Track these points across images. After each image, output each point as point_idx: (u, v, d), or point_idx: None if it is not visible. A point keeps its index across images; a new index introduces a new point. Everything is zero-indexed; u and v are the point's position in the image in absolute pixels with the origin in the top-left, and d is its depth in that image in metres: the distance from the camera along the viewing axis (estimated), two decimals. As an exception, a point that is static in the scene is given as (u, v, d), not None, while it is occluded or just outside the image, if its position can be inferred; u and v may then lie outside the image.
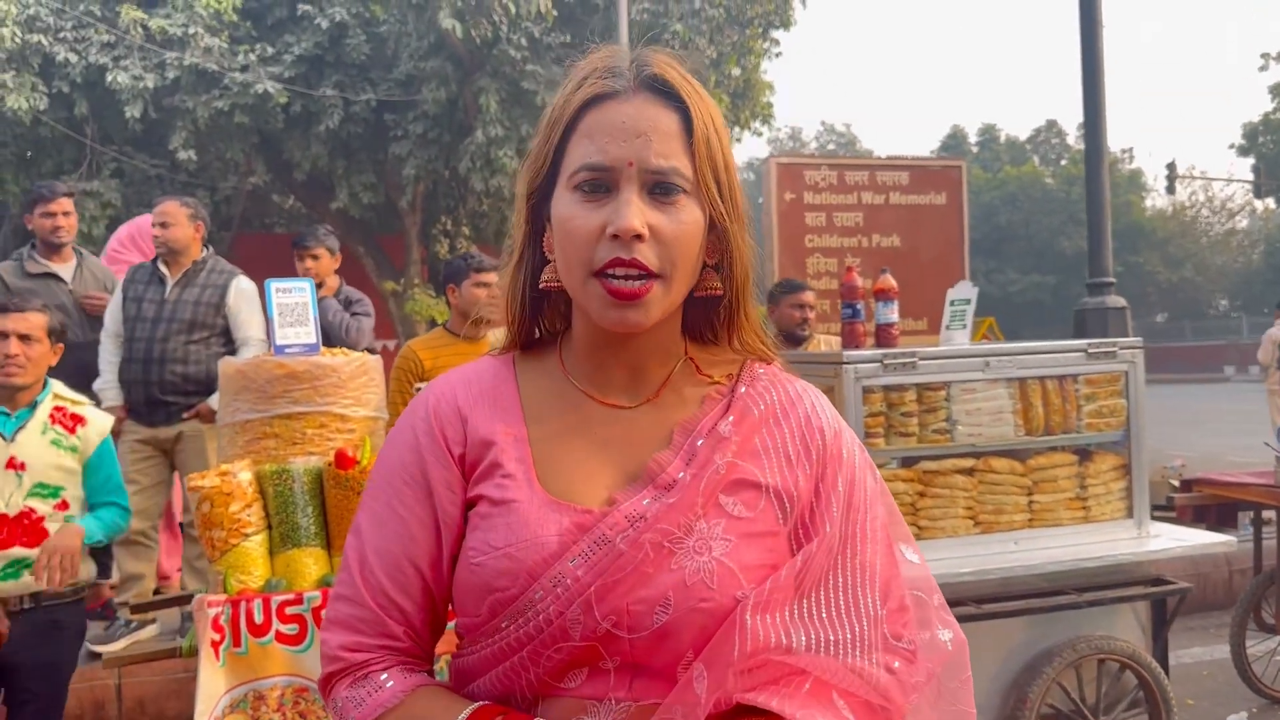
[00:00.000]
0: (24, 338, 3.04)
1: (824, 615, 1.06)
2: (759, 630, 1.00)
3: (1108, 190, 6.27)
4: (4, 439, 3.02)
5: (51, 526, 3.01)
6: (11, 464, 3.01)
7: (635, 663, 1.03)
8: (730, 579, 1.03)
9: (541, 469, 1.10)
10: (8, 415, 3.06)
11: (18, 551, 2.97)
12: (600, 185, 1.05)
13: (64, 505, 3.09)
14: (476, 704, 1.05)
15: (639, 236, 1.02)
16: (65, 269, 4.84)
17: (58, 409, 3.15)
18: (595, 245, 1.04)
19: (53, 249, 4.83)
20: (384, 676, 1.09)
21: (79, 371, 4.66)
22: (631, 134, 1.04)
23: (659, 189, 1.05)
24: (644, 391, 1.15)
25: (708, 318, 1.18)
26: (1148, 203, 42.53)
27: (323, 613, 2.59)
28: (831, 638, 1.04)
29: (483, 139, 12.05)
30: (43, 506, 3.04)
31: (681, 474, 1.07)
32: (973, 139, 45.46)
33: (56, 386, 3.21)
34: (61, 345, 3.25)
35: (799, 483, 1.11)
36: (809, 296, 5.00)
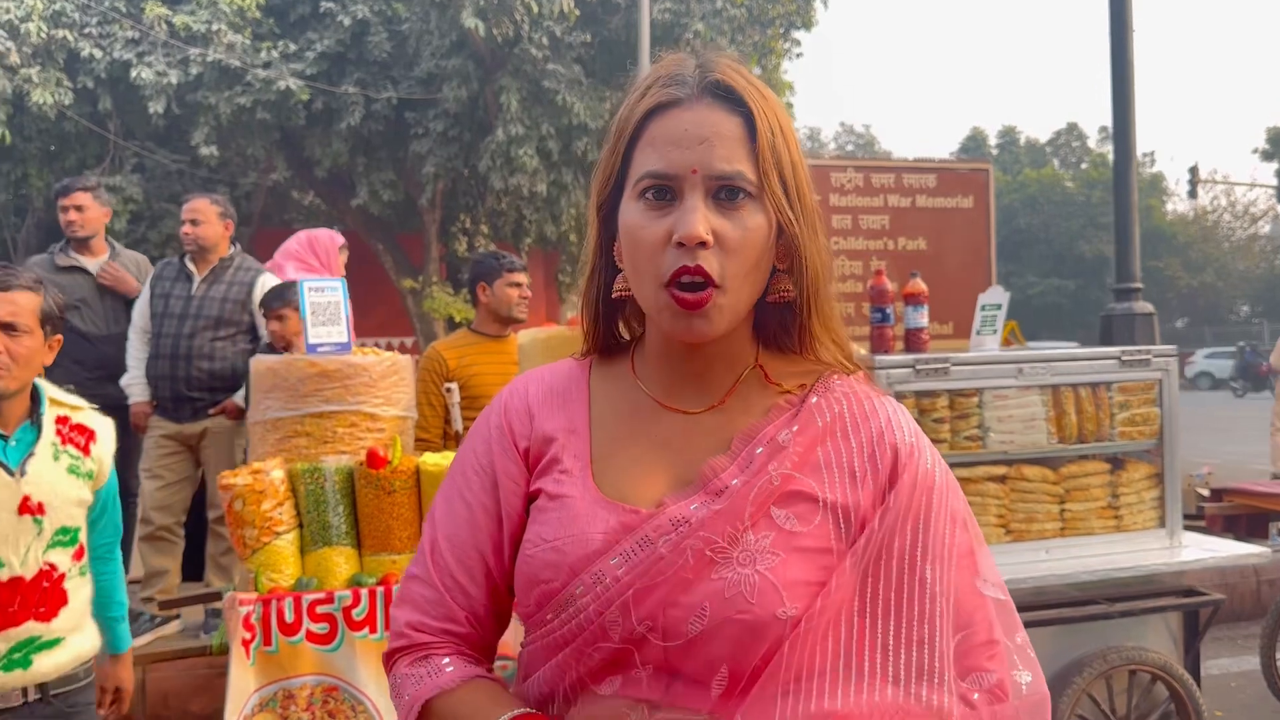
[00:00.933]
0: (7, 327, 2.23)
1: (888, 641, 1.01)
2: (804, 658, 0.99)
3: (1135, 194, 6.22)
4: (9, 473, 2.23)
5: (70, 586, 2.30)
6: (27, 507, 2.23)
7: (669, 669, 1.03)
8: (771, 594, 1.00)
9: (599, 467, 1.12)
10: (4, 439, 2.27)
11: (32, 628, 2.22)
12: (665, 192, 1.05)
13: (80, 554, 2.35)
14: (518, 710, 1.06)
15: (704, 243, 1.02)
16: (94, 263, 4.82)
17: (61, 420, 2.38)
18: (662, 253, 1.04)
19: (80, 244, 4.83)
20: (445, 661, 1.12)
21: (100, 365, 4.70)
22: (694, 140, 1.04)
23: (723, 194, 1.04)
24: (710, 398, 1.13)
25: (783, 324, 1.15)
26: (1169, 207, 42.25)
27: (355, 612, 2.58)
28: (892, 667, 1.00)
29: (503, 138, 12.06)
30: (63, 560, 2.30)
31: (735, 481, 1.05)
32: (993, 141, 45.28)
33: (48, 389, 2.40)
34: (59, 338, 2.41)
35: (862, 501, 1.06)
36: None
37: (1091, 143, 43.94)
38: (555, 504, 1.10)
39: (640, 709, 1.03)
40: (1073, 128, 44.80)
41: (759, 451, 1.07)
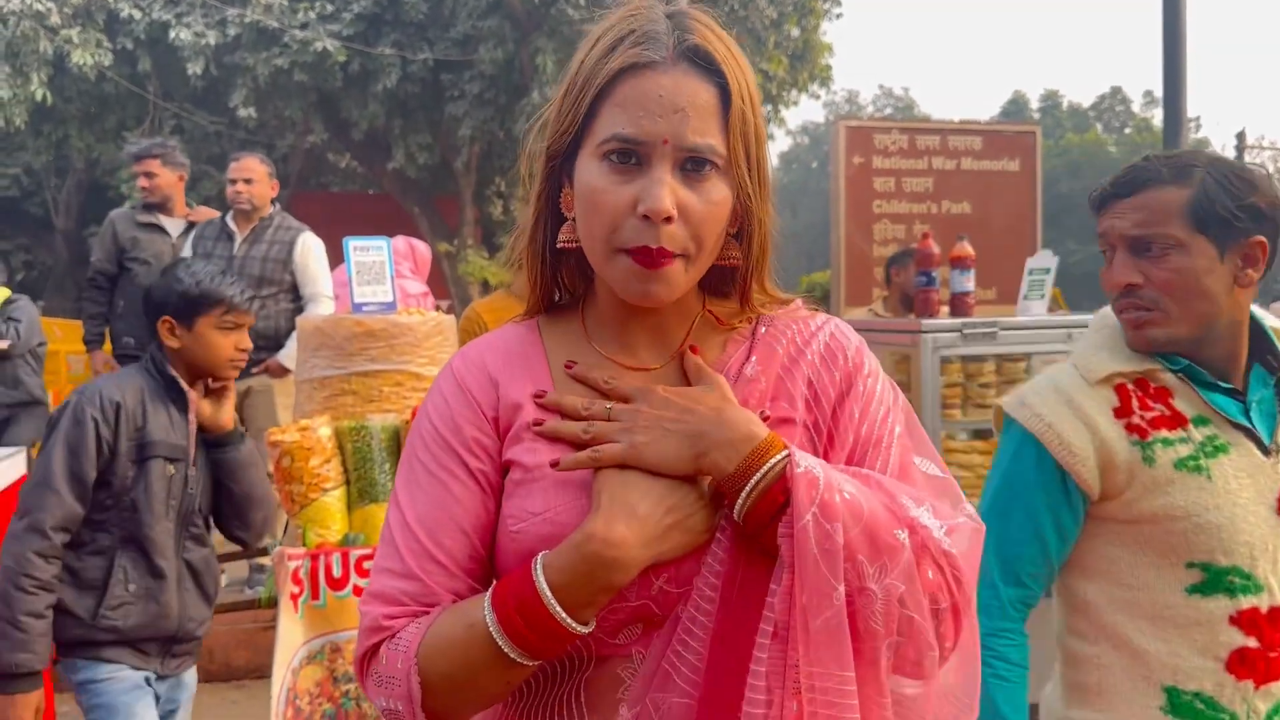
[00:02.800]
0: None
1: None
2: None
3: (1186, 158, 6.10)
4: (1264, 450, 1.59)
5: None
6: None
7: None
8: None
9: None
10: (1237, 397, 1.62)
11: None
12: (630, 156, 1.02)
13: None
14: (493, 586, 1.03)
15: (669, 219, 1.01)
16: (173, 223, 4.94)
17: None
18: (624, 221, 1.02)
19: (158, 206, 4.95)
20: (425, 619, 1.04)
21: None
22: (669, 109, 1.02)
23: (690, 165, 1.03)
24: (668, 350, 1.14)
25: (723, 277, 1.16)
26: (1213, 173, 41.49)
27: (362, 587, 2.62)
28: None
29: (539, 99, 12.00)
30: None
31: None
32: (1035, 105, 44.58)
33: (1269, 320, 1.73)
34: None
35: (828, 407, 1.12)
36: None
37: (1136, 107, 43.15)
38: (535, 474, 1.06)
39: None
40: (1116, 91, 44.00)
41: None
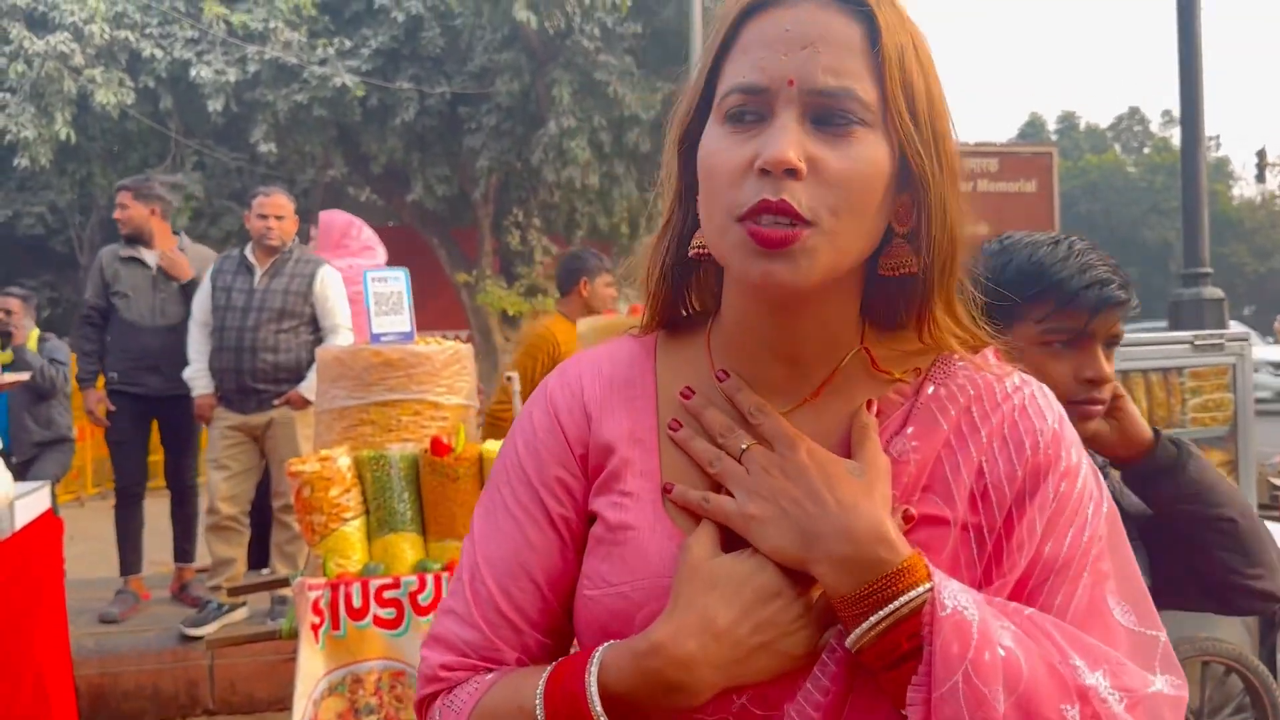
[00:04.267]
0: None
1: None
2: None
3: (1204, 177, 6.08)
4: None
5: None
6: None
7: None
8: None
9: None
10: None
11: None
12: (753, 111, 0.83)
13: None
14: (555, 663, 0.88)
15: (793, 171, 0.79)
16: (152, 255, 4.97)
17: None
18: (741, 184, 0.81)
19: (133, 239, 4.99)
20: (488, 675, 0.92)
21: (143, 355, 4.86)
22: (795, 44, 0.81)
23: (827, 115, 0.81)
24: (803, 390, 0.91)
25: (890, 298, 0.91)
26: (1235, 192, 41.30)
27: (421, 597, 2.61)
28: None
29: (555, 130, 12.10)
30: None
31: None
32: (1052, 126, 44.55)
33: None
34: None
35: (998, 506, 0.86)
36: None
37: (1154, 127, 43.06)
38: (617, 535, 0.89)
39: None
40: (1134, 112, 43.96)
41: None
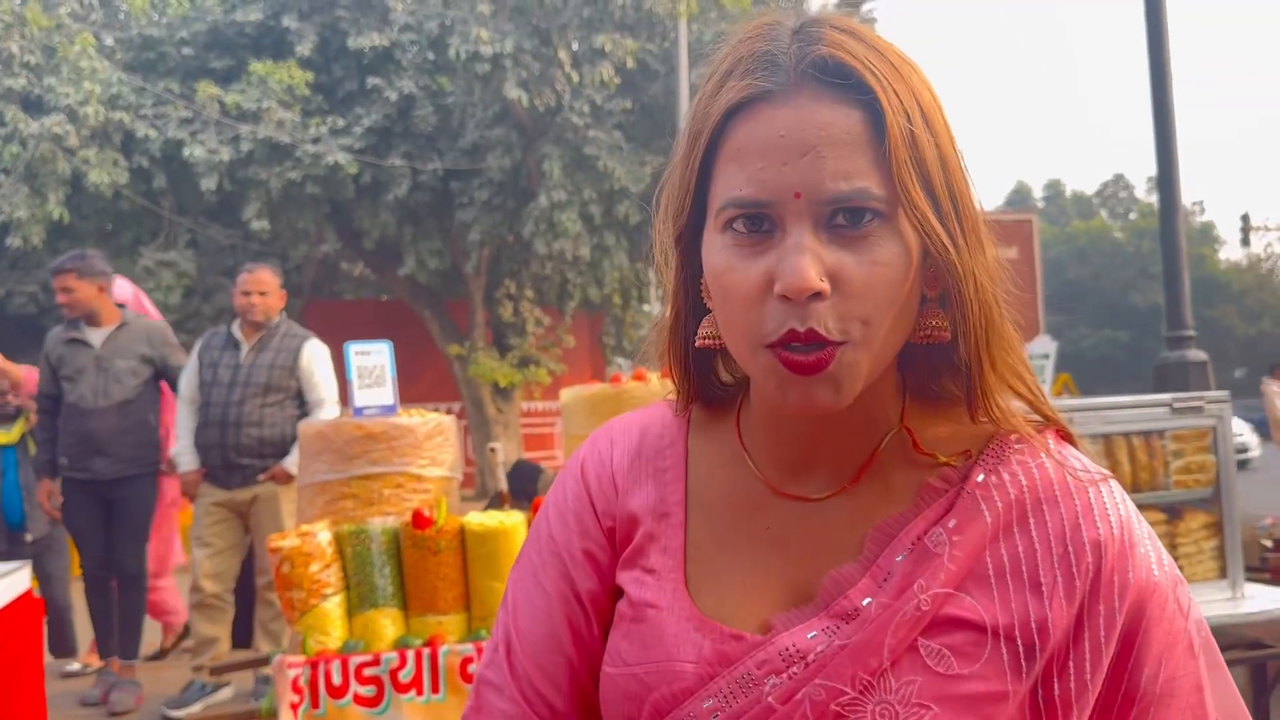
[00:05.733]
0: None
1: None
2: None
3: (1184, 241, 6.15)
4: None
5: None
6: None
7: None
8: None
9: (694, 570, 0.87)
10: None
11: None
12: (760, 221, 0.76)
13: None
14: None
15: (817, 294, 0.73)
16: (98, 335, 4.81)
17: None
18: (761, 307, 0.76)
19: (86, 318, 4.83)
20: None
21: (88, 439, 4.67)
22: (796, 151, 0.74)
23: (842, 217, 0.75)
24: (839, 477, 0.84)
25: (934, 366, 0.85)
26: (1222, 255, 41.74)
27: (402, 674, 2.58)
28: None
29: (546, 203, 12.25)
30: None
31: (867, 601, 0.78)
32: (1038, 194, 45.20)
33: None
34: None
35: (1049, 621, 0.77)
36: None
37: (1139, 192, 43.69)
38: (638, 615, 0.86)
39: None
40: (1119, 178, 44.66)
41: (900, 559, 0.79)
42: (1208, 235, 41.29)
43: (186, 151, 12.09)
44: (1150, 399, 3.39)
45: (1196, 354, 5.98)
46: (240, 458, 4.63)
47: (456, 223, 13.36)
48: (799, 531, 0.84)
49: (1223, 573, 3.39)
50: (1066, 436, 0.86)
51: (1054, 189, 45.16)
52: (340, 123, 12.63)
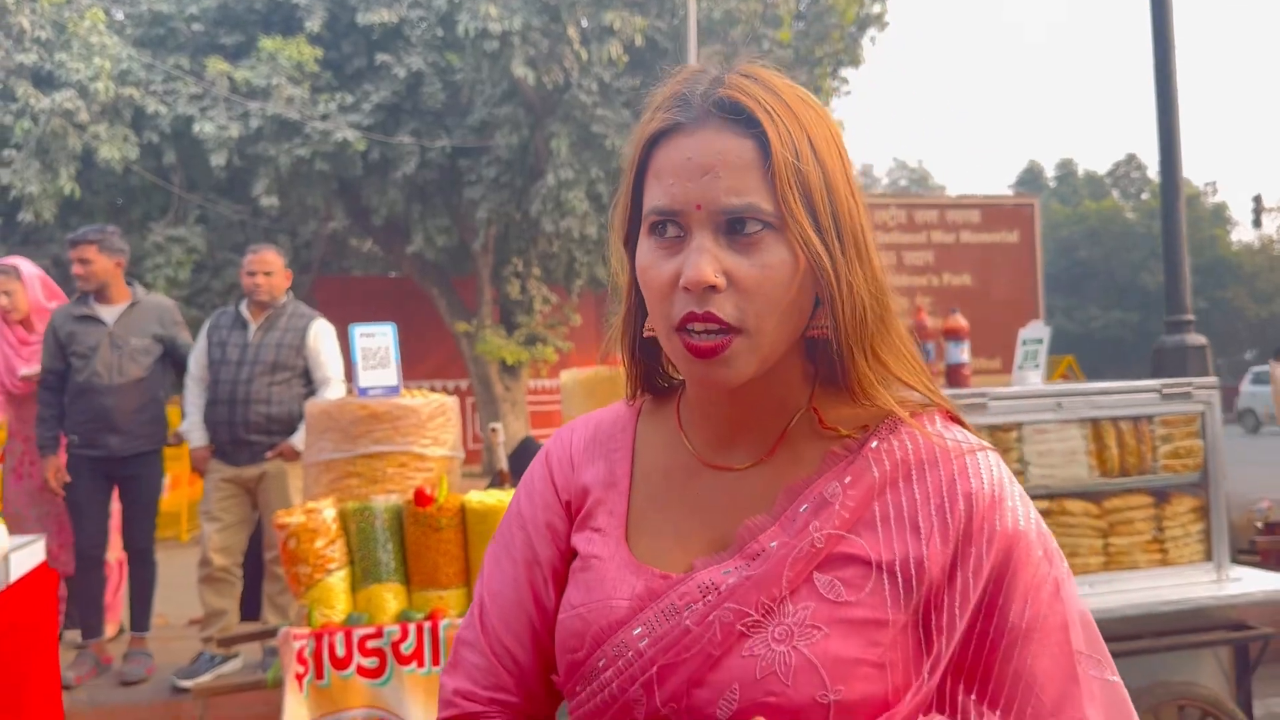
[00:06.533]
0: None
1: None
2: None
3: (1184, 225, 6.18)
4: None
5: None
6: None
7: None
8: (811, 675, 0.88)
9: (634, 528, 1.02)
10: None
11: None
12: (672, 229, 0.93)
13: None
14: None
15: (713, 287, 0.89)
16: (110, 312, 4.83)
17: None
18: (671, 297, 0.92)
19: (96, 293, 4.84)
20: None
21: (101, 416, 4.70)
22: (698, 171, 0.91)
23: (736, 226, 0.91)
24: (757, 450, 1.00)
25: (833, 361, 0.98)
26: (1233, 237, 41.48)
27: (404, 646, 2.67)
28: None
29: (553, 182, 12.28)
30: None
31: (773, 543, 0.93)
32: (1050, 174, 44.89)
33: None
34: None
35: (926, 560, 0.92)
36: None
37: (1151, 173, 43.32)
38: (586, 566, 1.02)
39: None
40: (1131, 158, 44.25)
41: (804, 509, 0.94)
42: (1220, 216, 41.00)
43: (196, 127, 12.14)
44: (1140, 384, 3.45)
45: (1195, 338, 6.01)
46: (249, 435, 4.72)
47: (464, 200, 13.40)
48: (724, 495, 1.00)
49: (1208, 555, 3.46)
50: (954, 418, 1.01)
51: (1066, 168, 44.83)
52: (349, 99, 12.66)
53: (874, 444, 0.96)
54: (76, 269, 4.77)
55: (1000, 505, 0.94)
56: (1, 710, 3.11)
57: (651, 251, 0.94)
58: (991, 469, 0.96)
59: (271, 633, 3.60)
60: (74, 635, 5.05)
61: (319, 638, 2.68)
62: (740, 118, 0.92)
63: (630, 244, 1.02)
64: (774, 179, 0.90)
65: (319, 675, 2.67)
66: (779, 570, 0.91)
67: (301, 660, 2.65)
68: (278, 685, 2.73)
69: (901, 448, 0.96)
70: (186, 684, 4.53)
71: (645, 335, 1.02)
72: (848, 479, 0.94)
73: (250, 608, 5.04)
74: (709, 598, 0.92)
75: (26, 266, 5.22)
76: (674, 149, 0.94)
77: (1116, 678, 0.96)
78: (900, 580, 0.91)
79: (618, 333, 1.08)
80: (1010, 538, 0.93)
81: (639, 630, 0.94)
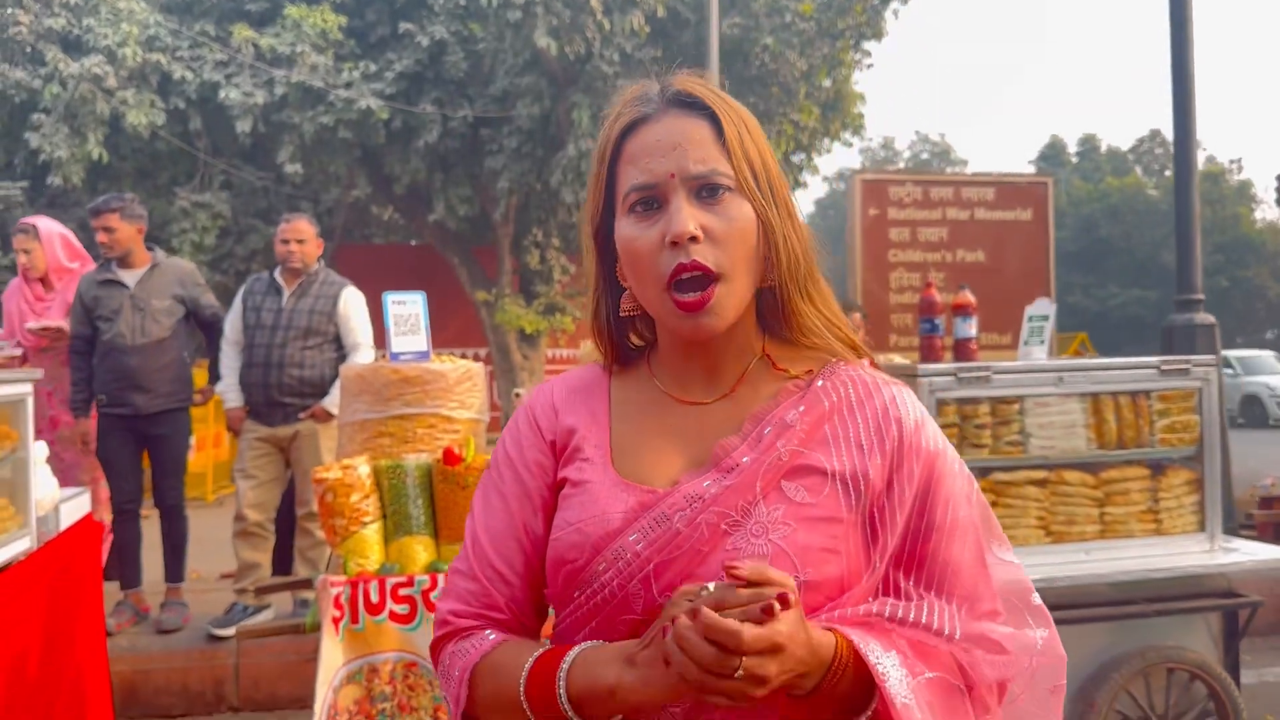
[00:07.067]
0: None
1: (902, 615, 1.10)
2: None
3: (1197, 205, 6.26)
4: None
5: None
6: None
7: None
8: (784, 561, 1.07)
9: (618, 454, 1.19)
10: None
11: None
12: (651, 202, 1.13)
13: None
14: (546, 646, 1.14)
15: (694, 238, 1.09)
16: (132, 276, 4.96)
17: None
18: (659, 257, 1.11)
19: (119, 259, 4.98)
20: (488, 632, 1.19)
21: (127, 375, 4.85)
22: (668, 147, 1.12)
23: (705, 191, 1.12)
24: (721, 388, 1.20)
25: (778, 312, 1.20)
26: (1258, 215, 41.09)
27: (433, 595, 2.84)
28: (904, 619, 1.09)
29: (574, 152, 12.37)
30: None
31: (745, 459, 1.12)
32: (1072, 149, 44.51)
33: None
34: None
35: (869, 472, 1.13)
36: (854, 319, 4.81)
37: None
38: (578, 489, 1.18)
39: None
40: (1155, 134, 43.83)
41: (768, 431, 1.14)
42: (1245, 194, 40.63)
43: (222, 94, 12.26)
44: (1138, 361, 3.58)
45: (1204, 317, 6.12)
46: (282, 397, 4.90)
47: (485, 170, 13.49)
48: (694, 423, 1.20)
49: (1202, 526, 3.60)
50: (873, 363, 1.25)
51: (1089, 144, 44.46)
52: (372, 68, 12.75)
53: (820, 382, 1.18)
54: (101, 237, 4.90)
55: (923, 429, 1.18)
56: (54, 650, 3.30)
57: (633, 225, 1.14)
58: (912, 402, 1.21)
59: (304, 583, 3.79)
60: (110, 587, 5.27)
61: (354, 585, 2.85)
62: (695, 105, 1.15)
63: (600, 235, 1.22)
64: (729, 151, 1.13)
65: (354, 620, 2.84)
66: (752, 480, 1.11)
67: (338, 606, 2.83)
68: (315, 630, 2.91)
69: (843, 384, 1.18)
70: (221, 632, 4.74)
71: (622, 314, 1.23)
72: (802, 408, 1.15)
73: (282, 562, 5.25)
74: (695, 505, 1.10)
75: (45, 225, 5.31)
76: (644, 135, 1.15)
77: (1012, 558, 1.23)
78: (850, 487, 1.12)
79: (589, 313, 1.27)
80: (933, 455, 1.17)
81: (634, 536, 1.11)
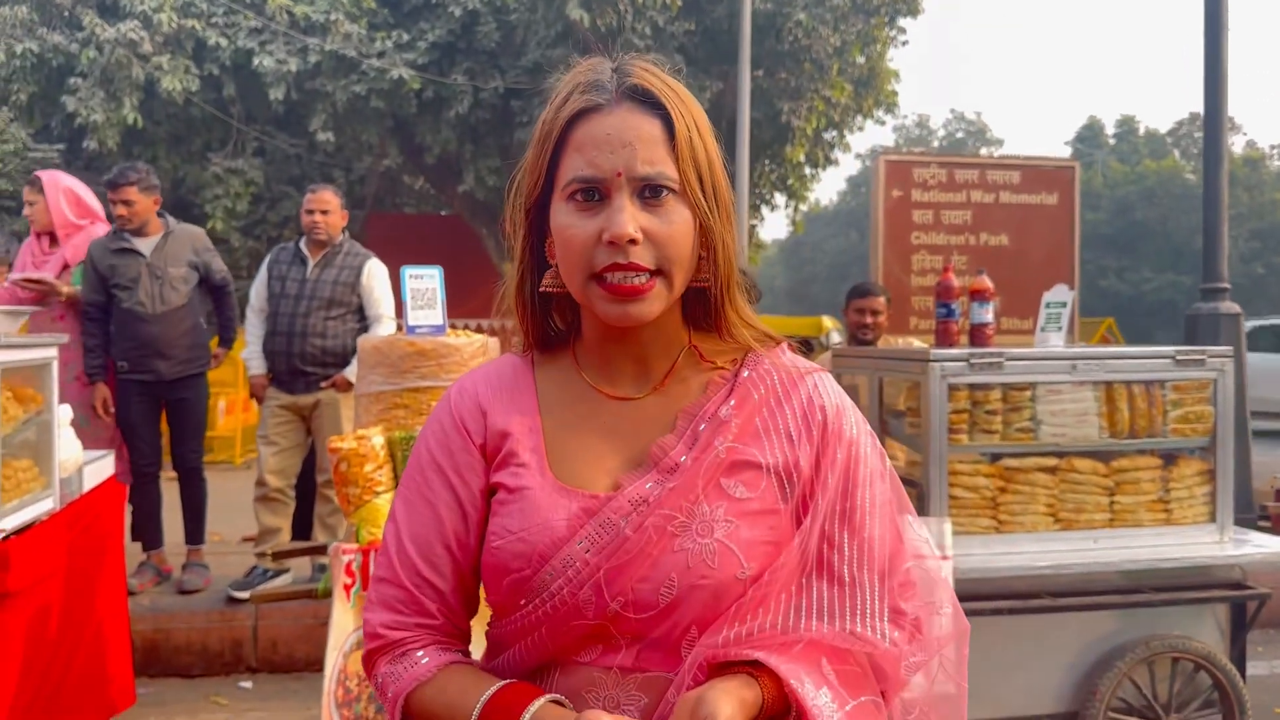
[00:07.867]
0: None
1: (825, 593, 1.13)
2: (760, 618, 1.08)
3: (1225, 192, 6.19)
4: None
5: None
6: None
7: (642, 636, 1.10)
8: (730, 558, 1.09)
9: (553, 458, 1.17)
10: None
11: None
12: (593, 194, 1.11)
13: None
14: (501, 682, 1.12)
15: (633, 241, 1.08)
16: (147, 244, 4.97)
17: None
18: (593, 251, 1.10)
19: (127, 231, 4.99)
20: (420, 654, 1.16)
21: (148, 343, 4.86)
22: (618, 144, 1.10)
23: (648, 192, 1.10)
24: (650, 382, 1.20)
25: (706, 309, 1.21)
26: (1297, 201, 40.36)
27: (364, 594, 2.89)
28: (831, 610, 1.12)
29: (605, 126, 12.34)
30: None
31: (684, 458, 1.13)
32: (1110, 131, 43.91)
33: None
34: None
35: (800, 461, 1.16)
36: (878, 303, 4.80)
37: (1214, 133, 42.21)
38: (516, 496, 1.15)
39: (614, 674, 1.11)
40: (1194, 118, 43.04)
41: (702, 428, 1.15)
42: (1284, 180, 39.95)
43: (256, 61, 12.34)
44: (1154, 350, 3.56)
45: (1229, 306, 6.07)
46: (305, 365, 4.98)
47: (515, 141, 13.50)
48: (627, 420, 1.19)
49: (1213, 517, 3.59)
50: (792, 347, 1.27)
51: (1127, 125, 43.82)
52: (405, 37, 12.78)
53: (745, 373, 1.20)
54: (120, 210, 4.91)
55: (844, 415, 1.21)
56: (75, 607, 3.40)
57: (571, 214, 1.12)
58: (833, 388, 1.24)
59: (321, 548, 3.86)
60: (134, 548, 5.38)
61: (366, 553, 2.91)
62: (649, 101, 1.13)
63: (531, 213, 1.19)
64: (678, 153, 1.12)
65: (364, 587, 2.90)
66: (694, 480, 1.12)
67: (350, 573, 2.89)
68: (327, 596, 2.97)
69: (768, 375, 1.20)
70: (240, 595, 4.84)
71: (544, 290, 1.20)
72: (733, 402, 1.17)
73: (302, 527, 5.34)
74: (640, 509, 1.11)
75: (51, 179, 5.25)
76: (595, 126, 1.12)
77: (922, 531, 1.27)
78: (785, 479, 1.15)
79: (511, 289, 1.24)
80: (854, 440, 1.20)
81: (583, 544, 1.10)
